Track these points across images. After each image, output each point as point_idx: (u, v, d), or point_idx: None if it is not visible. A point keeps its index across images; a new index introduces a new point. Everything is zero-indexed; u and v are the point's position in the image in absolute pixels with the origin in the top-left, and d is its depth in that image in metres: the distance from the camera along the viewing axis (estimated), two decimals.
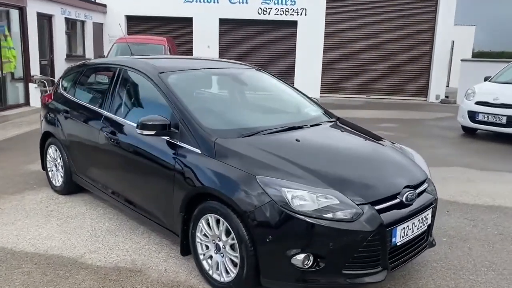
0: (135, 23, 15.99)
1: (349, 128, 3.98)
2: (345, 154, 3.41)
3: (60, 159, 4.93)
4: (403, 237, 2.99)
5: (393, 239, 2.92)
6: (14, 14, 10.44)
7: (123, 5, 15.52)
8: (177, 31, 15.63)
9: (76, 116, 4.62)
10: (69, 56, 13.12)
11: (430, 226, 3.31)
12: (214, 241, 3.15)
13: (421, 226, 3.16)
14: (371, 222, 2.81)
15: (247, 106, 4.01)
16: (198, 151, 3.24)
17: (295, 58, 15.78)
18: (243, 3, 15.38)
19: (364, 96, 15.83)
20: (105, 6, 15.45)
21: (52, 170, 5.13)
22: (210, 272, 3.19)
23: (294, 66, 15.85)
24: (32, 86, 10.42)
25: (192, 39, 15.66)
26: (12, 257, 3.62)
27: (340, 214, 2.78)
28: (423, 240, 3.28)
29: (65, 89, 5.08)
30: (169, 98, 3.57)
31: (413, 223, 3.07)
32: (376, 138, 3.88)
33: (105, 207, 4.68)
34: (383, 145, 3.72)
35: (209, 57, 6.64)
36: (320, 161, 3.19)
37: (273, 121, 3.76)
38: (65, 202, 4.83)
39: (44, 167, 5.32)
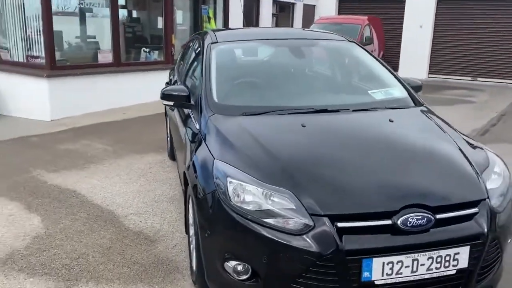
0: (347, 4, 15.71)
1: (407, 120, 3.01)
2: (353, 149, 2.55)
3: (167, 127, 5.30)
4: (388, 274, 2.10)
5: (365, 274, 2.08)
6: None
7: None
8: (387, 12, 14.66)
9: None
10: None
11: (469, 272, 2.22)
12: (192, 225, 2.87)
13: (438, 268, 2.15)
14: (321, 242, 2.07)
15: (288, 81, 3.41)
16: (197, 126, 2.98)
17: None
18: None
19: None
20: None
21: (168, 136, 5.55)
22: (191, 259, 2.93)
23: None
24: None
25: (403, 19, 14.45)
26: (76, 202, 4.12)
27: (282, 222, 2.13)
28: None
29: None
30: (203, 68, 3.37)
31: (417, 260, 2.12)
32: (439, 137, 2.78)
33: None
34: (439, 147, 2.66)
35: (303, 29, 5.96)
36: (304, 153, 2.50)
37: (308, 101, 3.12)
38: (166, 167, 5.18)
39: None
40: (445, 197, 2.26)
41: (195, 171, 2.57)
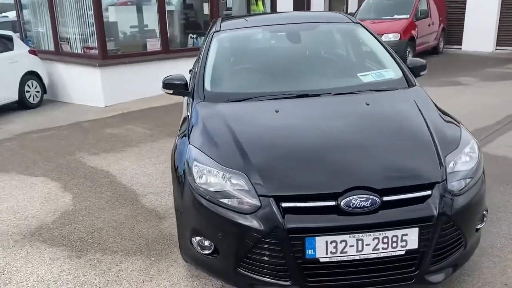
0: None
1: (385, 102, 3.01)
2: (315, 133, 2.64)
3: None
4: (333, 253, 2.21)
5: (309, 251, 2.21)
6: None
7: None
8: None
9: None
10: None
11: (422, 253, 2.27)
12: None
13: (385, 248, 2.23)
14: (265, 221, 2.23)
15: (280, 67, 3.49)
16: (188, 113, 3.21)
17: None
18: None
19: None
20: None
21: None
22: None
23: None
24: None
25: None
26: (106, 182, 4.56)
27: (238, 202, 2.31)
28: (403, 270, 2.30)
29: None
30: (201, 56, 3.59)
31: (362, 240, 2.21)
32: (410, 120, 2.77)
33: None
34: (406, 130, 2.67)
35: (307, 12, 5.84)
36: (265, 138, 2.64)
37: (293, 86, 3.22)
38: None
39: None
40: (395, 179, 2.31)
41: (175, 154, 2.81)
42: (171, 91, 3.52)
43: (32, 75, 8.35)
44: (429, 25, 11.83)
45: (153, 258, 3.17)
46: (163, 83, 3.52)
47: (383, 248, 2.23)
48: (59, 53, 9.13)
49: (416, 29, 11.19)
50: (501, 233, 3.26)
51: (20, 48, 8.37)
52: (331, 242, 2.20)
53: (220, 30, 3.84)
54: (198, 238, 2.48)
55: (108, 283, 2.90)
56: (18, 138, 6.39)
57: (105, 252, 3.27)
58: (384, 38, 10.68)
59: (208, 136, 2.71)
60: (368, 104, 2.88)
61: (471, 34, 13.12)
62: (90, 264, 3.12)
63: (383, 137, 2.60)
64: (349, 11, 14.64)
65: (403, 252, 2.25)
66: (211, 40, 3.71)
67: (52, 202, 4.16)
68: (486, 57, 11.97)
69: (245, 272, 2.35)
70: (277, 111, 2.85)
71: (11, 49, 8.17)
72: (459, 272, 2.80)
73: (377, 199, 2.21)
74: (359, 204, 2.20)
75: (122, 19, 9.15)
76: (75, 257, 3.23)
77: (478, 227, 2.57)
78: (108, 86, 8.12)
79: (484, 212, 2.59)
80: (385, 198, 2.23)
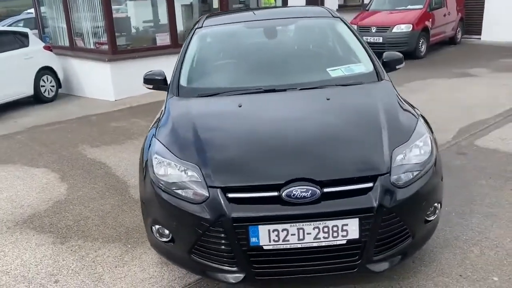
0: None
1: (346, 97, 3.09)
2: (270, 127, 2.76)
3: None
4: (275, 241, 2.33)
5: (253, 239, 2.33)
6: None
7: None
8: None
9: None
10: (342, 7, 13.48)
11: (362, 243, 2.35)
12: None
13: (326, 238, 2.32)
14: (212, 210, 2.35)
15: (253, 63, 3.58)
16: (163, 108, 3.35)
17: None
18: None
19: None
20: None
21: None
22: None
23: None
24: None
25: None
26: (101, 173, 4.77)
27: (190, 194, 2.45)
28: (346, 259, 2.39)
29: None
30: (180, 53, 3.73)
31: (302, 229, 2.31)
32: (365, 113, 2.85)
33: None
34: (357, 123, 2.76)
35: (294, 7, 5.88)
36: (222, 132, 2.77)
37: (262, 81, 3.32)
38: None
39: None
40: (336, 171, 2.39)
41: (143, 146, 2.97)
42: (151, 86, 3.67)
43: (47, 70, 8.70)
44: (444, 15, 11.59)
45: (129, 246, 3.35)
46: (144, 78, 3.68)
47: (324, 237, 2.32)
48: (73, 49, 9.46)
49: (431, 19, 11.00)
50: (470, 226, 3.28)
51: (35, 44, 8.72)
52: (273, 231, 2.31)
53: (202, 27, 3.97)
54: (157, 226, 2.63)
55: (84, 267, 3.10)
56: (29, 131, 6.71)
57: (87, 239, 3.48)
58: (395, 29, 10.60)
59: (172, 130, 2.85)
60: (328, 99, 2.96)
61: (490, 23, 12.75)
62: (71, 250, 3.33)
63: (334, 131, 2.68)
64: (364, 2, 14.48)
65: (344, 242, 2.34)
66: (191, 37, 3.85)
67: (48, 192, 4.41)
68: (504, 47, 11.65)
69: (198, 259, 2.49)
70: (240, 106, 2.96)
71: (27, 45, 8.52)
72: (417, 262, 2.87)
73: (317, 190, 2.30)
74: (299, 195, 2.29)
75: (132, 14, 9.39)
76: (59, 243, 3.44)
77: (430, 219, 2.62)
78: (118, 81, 8.37)
79: (435, 205, 2.64)
80: (325, 190, 2.32)
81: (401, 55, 3.68)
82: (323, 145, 2.56)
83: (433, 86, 7.90)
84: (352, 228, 2.32)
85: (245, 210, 2.33)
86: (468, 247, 3.04)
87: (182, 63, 3.56)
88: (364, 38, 10.87)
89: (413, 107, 3.06)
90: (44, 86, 8.60)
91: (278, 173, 2.38)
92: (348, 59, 3.54)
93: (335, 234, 2.32)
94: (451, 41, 12.42)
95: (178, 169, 2.54)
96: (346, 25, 3.85)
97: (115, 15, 8.59)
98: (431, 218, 2.63)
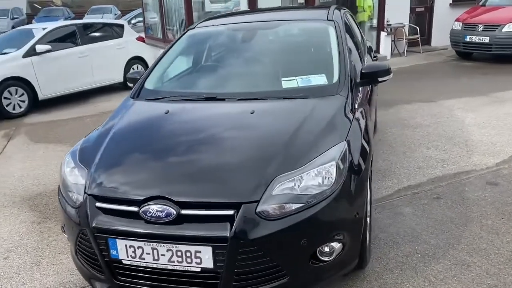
0: None
1: (272, 112, 2.81)
2: (179, 139, 2.65)
3: None
4: (133, 257, 2.26)
5: (113, 252, 2.30)
6: None
7: None
8: None
9: None
10: (457, 1, 12.05)
11: (220, 274, 2.16)
12: None
13: (180, 262, 2.19)
14: (81, 217, 2.38)
15: (217, 68, 3.42)
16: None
17: None
18: None
19: None
20: None
21: None
22: None
23: None
24: (383, 34, 10.71)
25: None
26: None
27: (74, 197, 2.51)
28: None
29: None
30: (163, 51, 3.79)
31: (156, 249, 2.21)
32: (276, 133, 2.55)
33: None
34: (255, 145, 2.50)
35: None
36: (131, 137, 2.77)
37: (209, 88, 3.23)
38: None
39: None
40: (197, 194, 2.22)
41: None
42: (132, 85, 3.79)
43: (136, 59, 9.50)
44: None
45: None
46: (127, 77, 3.82)
47: (178, 261, 2.19)
48: (165, 41, 10.14)
49: None
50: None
51: (129, 35, 9.57)
52: (129, 247, 2.25)
53: (195, 27, 3.96)
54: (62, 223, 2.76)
55: (36, 249, 3.37)
56: (100, 115, 7.42)
57: (59, 223, 3.77)
58: (506, 28, 9.18)
59: (96, 131, 2.95)
60: (252, 113, 2.74)
61: None
62: (40, 231, 3.65)
63: (225, 151, 2.48)
64: None
65: (198, 269, 2.18)
66: (179, 37, 3.87)
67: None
68: None
69: (80, 262, 2.55)
70: (166, 113, 2.91)
71: (121, 36, 9.40)
72: None
73: (173, 211, 2.17)
74: (154, 214, 2.19)
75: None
76: (36, 223, 3.80)
77: (323, 258, 2.28)
78: None
79: (332, 244, 2.28)
80: (183, 212, 2.18)
81: (387, 66, 3.22)
82: (203, 165, 2.39)
83: None
84: (205, 257, 2.15)
85: (106, 222, 2.30)
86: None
87: (155, 64, 3.60)
88: (468, 38, 9.69)
89: (360, 130, 2.66)
90: None
91: (140, 189, 2.31)
92: (314, 69, 3.20)
93: (188, 260, 2.18)
94: None
95: (74, 171, 2.61)
96: (336, 30, 3.48)
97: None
98: (325, 258, 2.29)
